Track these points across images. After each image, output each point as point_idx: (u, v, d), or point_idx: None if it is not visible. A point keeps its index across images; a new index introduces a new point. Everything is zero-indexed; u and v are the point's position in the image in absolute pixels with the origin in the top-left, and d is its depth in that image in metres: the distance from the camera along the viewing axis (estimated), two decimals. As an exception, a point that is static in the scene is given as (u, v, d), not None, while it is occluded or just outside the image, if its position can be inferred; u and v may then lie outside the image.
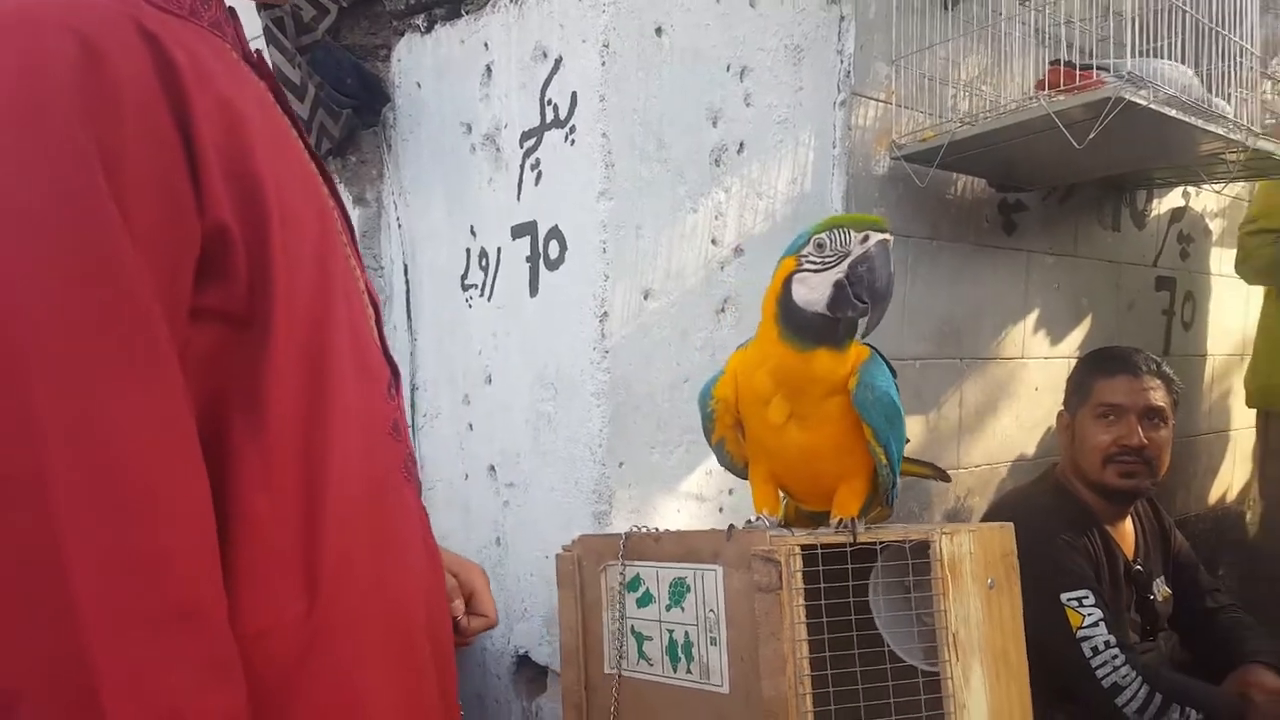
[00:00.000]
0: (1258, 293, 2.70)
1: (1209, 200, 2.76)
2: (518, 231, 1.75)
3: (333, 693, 0.69)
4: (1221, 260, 2.82)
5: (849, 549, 1.02)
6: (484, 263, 1.84)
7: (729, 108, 1.72)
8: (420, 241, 2.01)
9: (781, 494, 1.19)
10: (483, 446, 1.86)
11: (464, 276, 1.89)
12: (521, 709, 1.79)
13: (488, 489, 1.85)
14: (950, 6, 2.00)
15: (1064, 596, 1.78)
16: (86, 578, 0.55)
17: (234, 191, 0.64)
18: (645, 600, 1.12)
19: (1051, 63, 1.83)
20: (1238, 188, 2.77)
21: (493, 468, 1.84)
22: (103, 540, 0.56)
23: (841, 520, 1.06)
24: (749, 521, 1.12)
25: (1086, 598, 1.78)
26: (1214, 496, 2.97)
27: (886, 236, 1.03)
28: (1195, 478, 2.87)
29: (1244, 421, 2.98)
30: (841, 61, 1.89)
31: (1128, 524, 2.03)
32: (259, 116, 0.68)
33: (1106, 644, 1.73)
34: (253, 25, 1.85)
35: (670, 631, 1.09)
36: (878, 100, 1.94)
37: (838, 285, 1.02)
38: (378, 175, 2.08)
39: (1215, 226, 2.81)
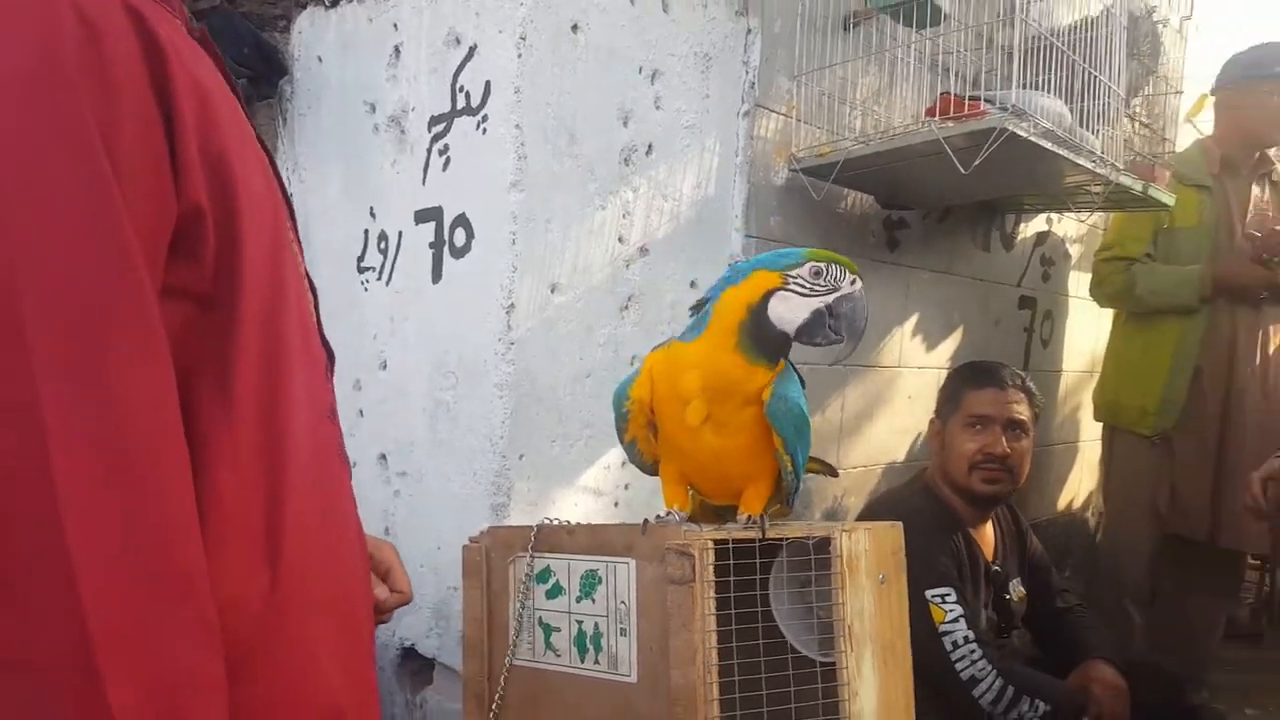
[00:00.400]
0: (1108, 315, 2.91)
1: (1069, 226, 2.96)
2: (422, 216, 1.73)
3: (295, 666, 0.69)
4: (1078, 283, 3.03)
5: (757, 544, 1.06)
6: (383, 246, 1.81)
7: (640, 109, 1.74)
8: (314, 220, 1.95)
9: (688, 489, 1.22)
10: (374, 434, 1.83)
11: (360, 258, 1.86)
12: (405, 701, 1.76)
13: (377, 478, 1.81)
14: (850, 29, 2.08)
15: (928, 593, 1.87)
16: (86, 541, 0.54)
17: (207, 172, 0.63)
18: (555, 592, 1.13)
19: (943, 93, 1.93)
20: (1095, 216, 2.98)
21: (384, 456, 1.81)
22: (105, 505, 0.56)
23: (750, 517, 1.10)
24: (659, 516, 1.15)
25: (949, 595, 1.88)
26: (1063, 503, 3.20)
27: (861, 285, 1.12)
28: (1047, 485, 3.08)
29: (1091, 434, 3.21)
30: (747, 73, 1.94)
31: (989, 527, 2.16)
32: (220, 95, 0.68)
33: (966, 639, 1.84)
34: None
35: (580, 623, 1.10)
36: (779, 113, 2.00)
37: (816, 313, 1.08)
38: (271, 149, 2.00)
39: (1074, 251, 3.02)
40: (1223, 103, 2.62)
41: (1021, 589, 2.17)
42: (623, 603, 1.07)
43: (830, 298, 1.09)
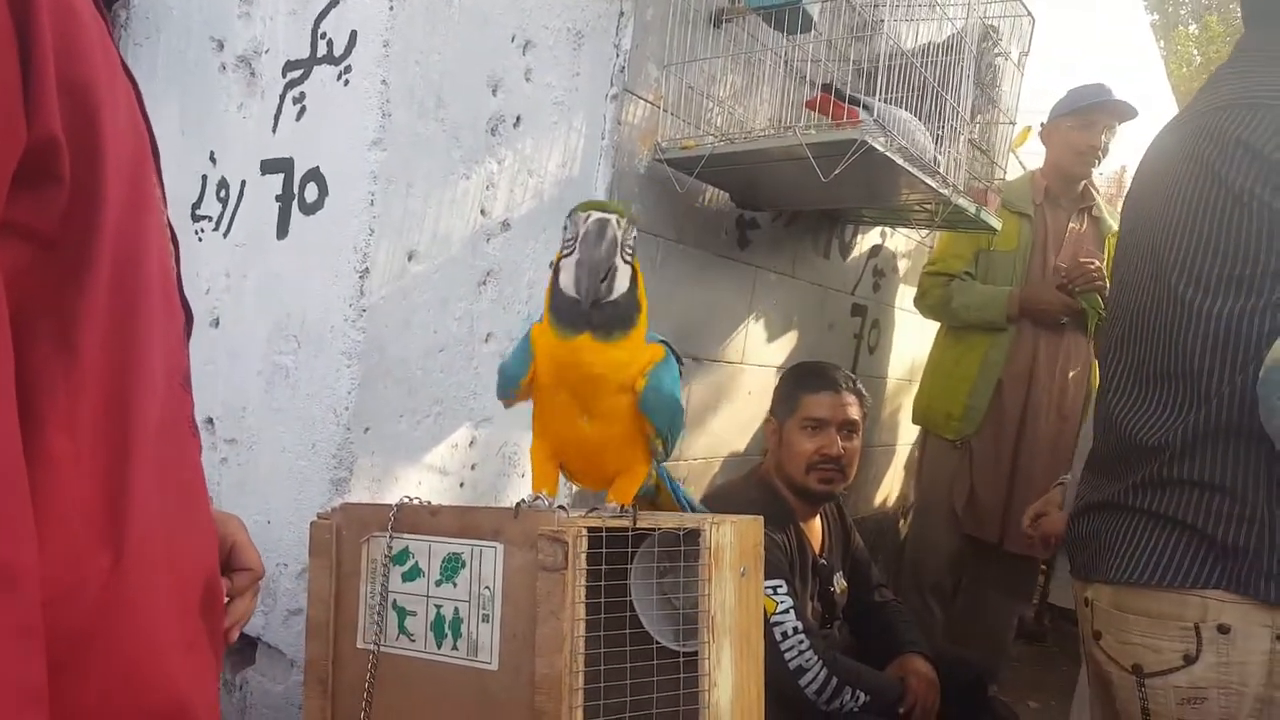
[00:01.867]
0: (929, 327, 3.10)
1: (900, 241, 3.12)
2: (269, 167, 1.60)
3: (134, 656, 0.62)
4: (904, 295, 3.21)
5: (630, 534, 1.04)
6: (223, 194, 1.67)
7: (510, 79, 1.69)
8: (144, 161, 1.78)
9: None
10: (201, 396, 1.66)
11: (196, 206, 1.71)
12: (224, 681, 1.64)
13: (203, 443, 1.67)
14: (719, 25, 2.10)
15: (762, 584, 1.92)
16: None
17: (67, 102, 0.55)
18: (413, 574, 1.07)
19: (823, 87, 1.96)
20: (922, 233, 3.16)
21: (210, 420, 1.67)
22: None
23: (621, 506, 1.08)
24: (522, 502, 1.11)
25: (780, 586, 1.94)
26: (877, 501, 3.38)
27: (605, 216, 1.03)
28: (864, 484, 3.24)
29: (906, 439, 3.41)
30: (617, 55, 1.92)
31: (817, 522, 2.24)
32: (89, 17, 0.59)
33: (795, 629, 1.90)
34: None
35: (439, 607, 1.05)
36: (646, 101, 1.99)
37: (578, 266, 1.03)
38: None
39: (902, 265, 3.18)
40: (1045, 138, 2.84)
41: (844, 582, 2.26)
42: (487, 588, 1.02)
43: (578, 248, 1.04)
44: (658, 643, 1.11)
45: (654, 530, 1.07)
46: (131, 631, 0.62)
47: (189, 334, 0.80)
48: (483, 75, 1.64)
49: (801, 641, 1.89)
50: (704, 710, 1.06)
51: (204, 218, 1.69)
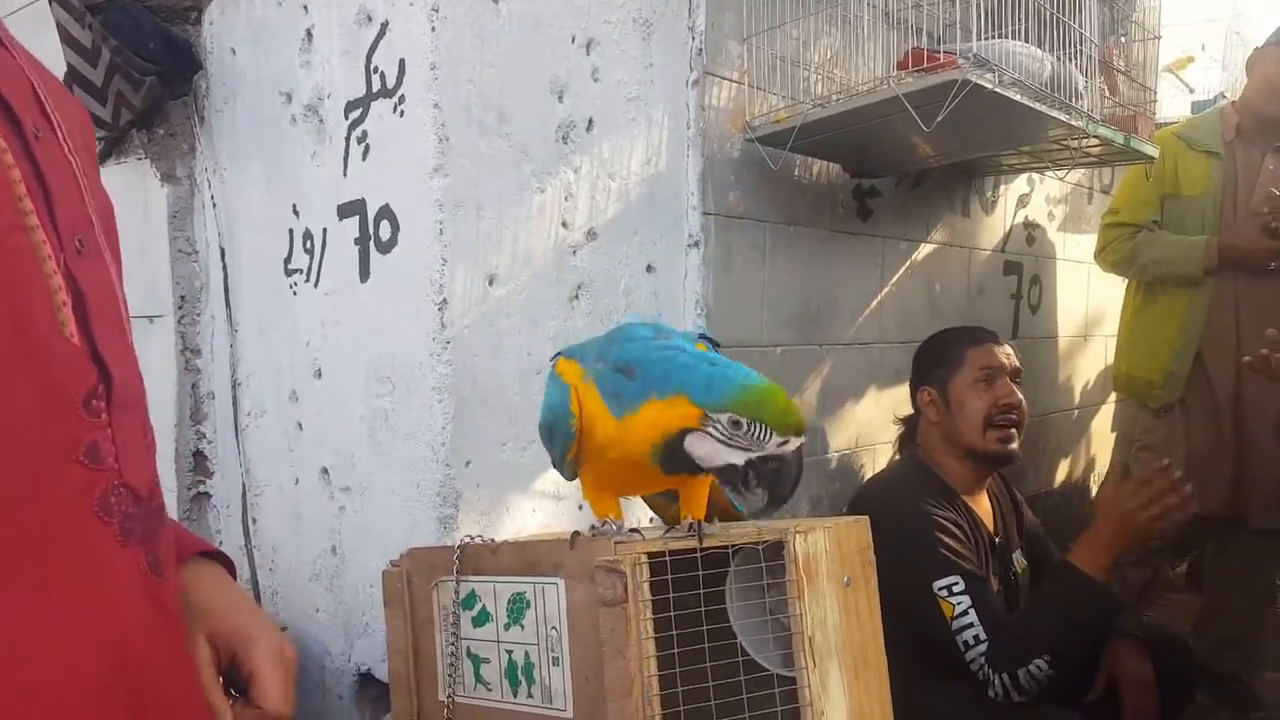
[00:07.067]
0: (1101, 278, 2.78)
1: (1053, 187, 2.83)
2: (345, 211, 1.60)
3: None
4: (1065, 246, 2.91)
5: (698, 555, 0.93)
6: (309, 245, 1.68)
7: (575, 82, 1.61)
8: (238, 222, 1.82)
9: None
10: (314, 447, 1.70)
11: (287, 260, 1.73)
12: (367, 731, 1.65)
13: (321, 494, 1.69)
14: (802, -14, 1.95)
15: (935, 585, 1.75)
16: None
17: None
18: (482, 619, 1.00)
19: (913, 47, 1.80)
20: (1079, 175, 2.85)
21: (325, 470, 1.68)
22: None
23: (690, 523, 0.98)
24: (593, 528, 1.02)
25: (955, 584, 1.74)
26: (1062, 474, 3.07)
27: (802, 440, 0.96)
28: (1044, 456, 2.95)
29: (1088, 400, 3.09)
30: (693, 38, 1.81)
31: (985, 499, 2.04)
32: None
33: (976, 639, 1.71)
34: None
35: (509, 652, 0.98)
36: (731, 80, 1.87)
37: (730, 466, 0.94)
38: (189, 150, 1.87)
39: (1059, 213, 2.88)
40: (1250, 66, 2.49)
41: (1024, 560, 2.06)
42: (554, 628, 0.94)
43: (751, 455, 0.94)
44: (756, 671, 0.99)
45: (727, 548, 0.96)
46: None
47: (108, 399, 0.71)
48: (544, 82, 1.57)
49: (981, 655, 1.70)
50: (812, 745, 0.93)
51: (296, 271, 1.70)
